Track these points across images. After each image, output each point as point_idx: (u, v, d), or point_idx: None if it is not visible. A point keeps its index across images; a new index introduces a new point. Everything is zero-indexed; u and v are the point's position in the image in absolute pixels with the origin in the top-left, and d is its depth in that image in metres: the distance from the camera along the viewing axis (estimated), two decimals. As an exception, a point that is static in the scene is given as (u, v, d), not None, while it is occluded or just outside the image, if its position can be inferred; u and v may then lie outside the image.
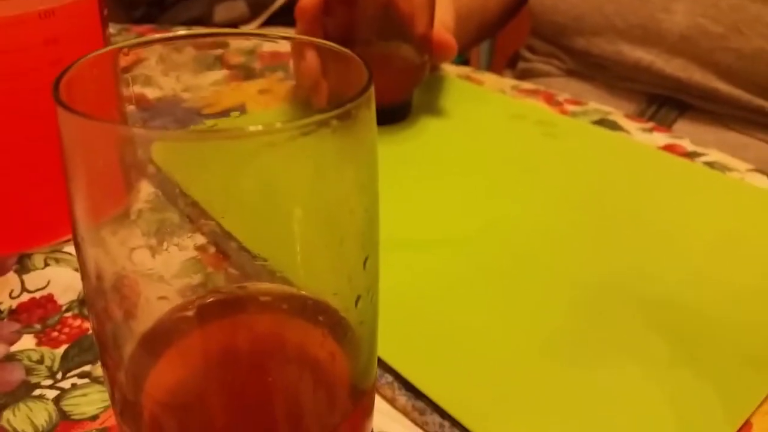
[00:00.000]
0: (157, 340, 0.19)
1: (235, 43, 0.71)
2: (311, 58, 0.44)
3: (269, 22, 1.60)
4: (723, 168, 0.46)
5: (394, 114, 0.49)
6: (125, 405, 0.18)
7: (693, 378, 0.27)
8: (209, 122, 0.47)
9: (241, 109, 0.49)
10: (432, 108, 0.52)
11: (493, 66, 1.55)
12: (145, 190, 0.39)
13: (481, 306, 0.31)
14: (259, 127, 0.15)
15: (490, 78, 0.61)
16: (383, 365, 0.27)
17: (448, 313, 0.30)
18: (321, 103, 0.47)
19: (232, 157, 0.25)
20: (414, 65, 0.47)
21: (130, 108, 0.51)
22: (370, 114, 0.17)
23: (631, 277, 0.34)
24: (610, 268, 0.34)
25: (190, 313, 0.20)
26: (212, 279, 0.33)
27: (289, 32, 0.47)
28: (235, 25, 1.58)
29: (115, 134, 0.16)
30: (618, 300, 0.32)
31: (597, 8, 0.60)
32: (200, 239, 0.37)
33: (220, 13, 1.58)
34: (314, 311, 0.19)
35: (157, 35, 0.24)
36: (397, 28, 0.47)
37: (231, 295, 0.22)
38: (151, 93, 0.58)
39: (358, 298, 0.17)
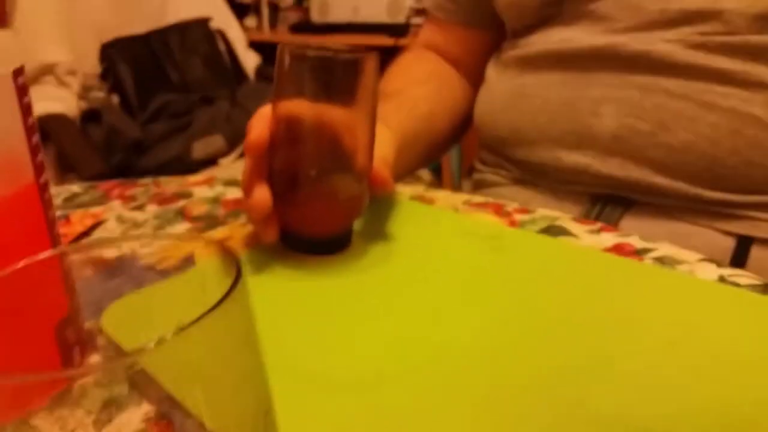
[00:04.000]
0: None
1: (199, 192, 0.73)
2: (260, 192, 0.47)
3: (246, 153, 1.67)
4: (672, 261, 0.48)
5: (335, 244, 0.51)
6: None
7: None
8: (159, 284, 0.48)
9: (189, 261, 0.51)
10: (381, 233, 0.54)
11: (463, 169, 1.60)
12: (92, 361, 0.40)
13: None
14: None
15: (443, 195, 0.63)
16: None
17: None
18: (269, 237, 0.49)
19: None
20: (354, 198, 0.50)
21: (87, 271, 0.52)
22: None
23: (583, 394, 0.34)
24: (560, 386, 0.34)
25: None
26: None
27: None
28: (214, 159, 1.65)
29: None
30: (570, 422, 0.32)
31: (531, 119, 0.64)
32: (148, 409, 0.37)
33: (199, 149, 1.65)
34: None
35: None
36: (340, 161, 0.50)
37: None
38: (108, 254, 0.59)
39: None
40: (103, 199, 0.68)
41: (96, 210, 0.64)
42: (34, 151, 0.35)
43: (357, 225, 0.55)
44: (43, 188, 0.36)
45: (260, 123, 0.48)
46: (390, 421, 0.33)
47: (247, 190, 0.47)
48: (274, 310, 0.43)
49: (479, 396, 0.34)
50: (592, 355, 0.37)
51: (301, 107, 0.47)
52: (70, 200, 0.68)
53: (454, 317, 0.42)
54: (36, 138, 0.36)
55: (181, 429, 0.34)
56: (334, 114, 0.47)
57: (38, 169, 0.36)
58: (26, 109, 0.35)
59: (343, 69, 0.47)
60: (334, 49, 0.47)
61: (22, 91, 0.35)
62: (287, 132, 0.48)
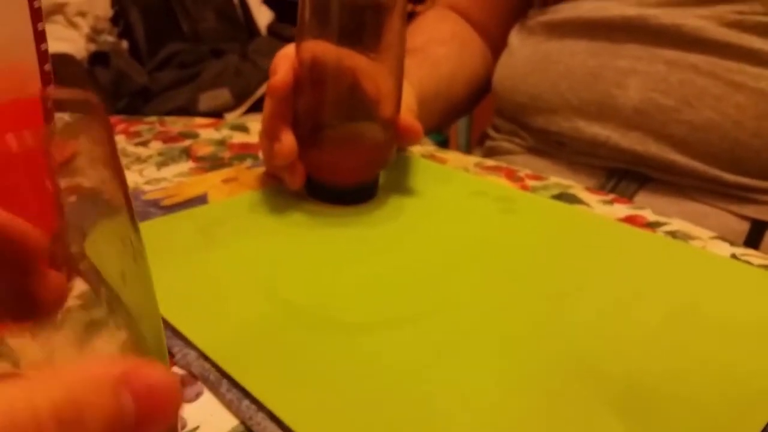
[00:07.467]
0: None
1: (206, 134, 0.72)
2: (287, 137, 0.45)
3: (253, 109, 1.64)
4: (685, 236, 0.47)
5: (360, 194, 0.50)
6: None
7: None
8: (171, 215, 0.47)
9: (203, 200, 0.50)
10: (393, 188, 0.53)
11: (471, 142, 1.58)
12: (77, 287, 0.39)
13: (436, 386, 0.31)
14: None
15: (454, 156, 0.62)
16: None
17: (403, 390, 0.30)
18: (295, 184, 0.48)
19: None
20: (380, 146, 0.48)
21: (71, 198, 0.51)
22: None
23: (590, 353, 0.33)
24: (568, 345, 0.34)
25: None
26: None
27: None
28: (219, 113, 1.62)
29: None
30: (577, 378, 0.31)
31: (553, 86, 0.62)
32: (124, 335, 0.36)
33: (205, 101, 1.63)
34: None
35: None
36: (364, 109, 0.48)
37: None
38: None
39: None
40: (107, 134, 0.66)
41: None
42: (42, 59, 0.34)
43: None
44: (49, 99, 0.34)
45: (285, 64, 0.46)
46: (398, 360, 0.32)
47: (271, 134, 0.46)
48: (284, 254, 0.42)
49: (484, 346, 0.33)
50: (596, 317, 0.36)
51: (325, 50, 0.45)
52: (74, 132, 0.66)
53: (459, 272, 0.41)
54: (45, 46, 0.34)
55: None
56: (357, 60, 0.45)
57: (45, 79, 0.34)
58: (36, 14, 0.33)
59: (370, 11, 0.45)
60: None
61: (33, -5, 0.33)
62: (310, 76, 0.46)
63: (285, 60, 0.46)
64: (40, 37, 0.33)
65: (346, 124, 0.48)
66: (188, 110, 1.55)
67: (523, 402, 0.30)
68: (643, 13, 0.58)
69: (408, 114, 0.49)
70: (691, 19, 0.56)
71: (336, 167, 0.48)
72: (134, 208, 0.53)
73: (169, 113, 1.58)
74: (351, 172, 0.49)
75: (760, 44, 0.54)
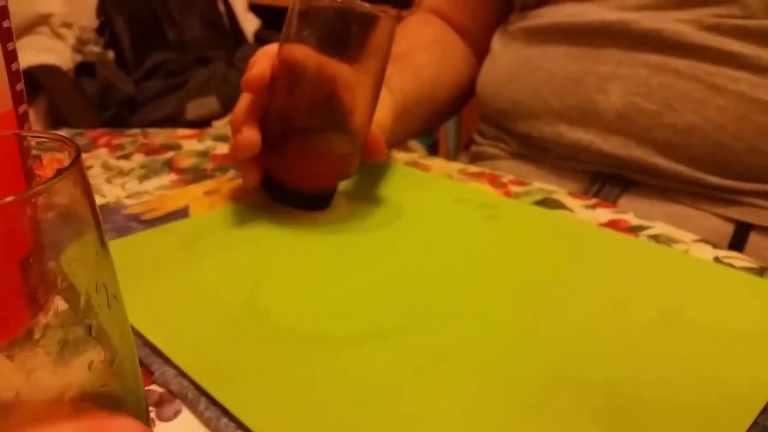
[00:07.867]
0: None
1: (188, 145, 0.71)
2: (249, 132, 0.45)
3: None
4: (668, 240, 0.47)
5: (316, 201, 0.50)
6: None
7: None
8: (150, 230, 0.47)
9: (184, 212, 0.50)
10: (375, 197, 0.53)
11: (461, 145, 1.58)
12: (54, 305, 0.39)
13: (419, 399, 0.30)
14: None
15: (438, 163, 0.62)
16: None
17: (386, 405, 0.30)
18: (250, 181, 0.47)
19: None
20: (345, 157, 0.48)
21: (49, 215, 0.50)
22: None
23: (574, 359, 0.33)
24: (551, 353, 0.34)
25: None
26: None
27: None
28: (207, 121, 1.62)
29: None
30: (561, 387, 0.31)
31: (535, 92, 0.62)
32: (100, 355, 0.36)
33: (192, 110, 1.62)
34: None
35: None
36: (336, 118, 0.48)
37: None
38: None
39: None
40: (90, 147, 0.66)
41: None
42: (12, 79, 0.33)
43: (350, 186, 0.54)
44: (22, 119, 0.34)
45: (264, 60, 0.46)
46: (381, 375, 0.32)
47: (237, 127, 0.46)
48: (265, 268, 0.42)
49: (468, 356, 0.33)
50: (580, 324, 0.36)
51: (306, 54, 0.45)
52: (55, 146, 0.66)
53: (442, 282, 0.40)
54: (16, 65, 0.34)
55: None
56: (339, 68, 0.45)
57: (17, 98, 0.34)
58: (5, 34, 0.33)
59: (358, 22, 0.45)
60: (351, 1, 0.45)
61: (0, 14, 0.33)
62: (288, 78, 0.46)
63: (265, 57, 0.46)
64: (10, 56, 0.33)
65: (315, 130, 0.47)
66: (176, 119, 1.54)
67: (506, 412, 0.30)
68: (624, 17, 0.58)
69: (378, 132, 0.48)
70: (671, 23, 0.56)
71: (297, 171, 0.48)
72: (115, 223, 0.53)
73: (157, 122, 1.58)
74: (311, 178, 0.49)
75: (738, 47, 0.54)
